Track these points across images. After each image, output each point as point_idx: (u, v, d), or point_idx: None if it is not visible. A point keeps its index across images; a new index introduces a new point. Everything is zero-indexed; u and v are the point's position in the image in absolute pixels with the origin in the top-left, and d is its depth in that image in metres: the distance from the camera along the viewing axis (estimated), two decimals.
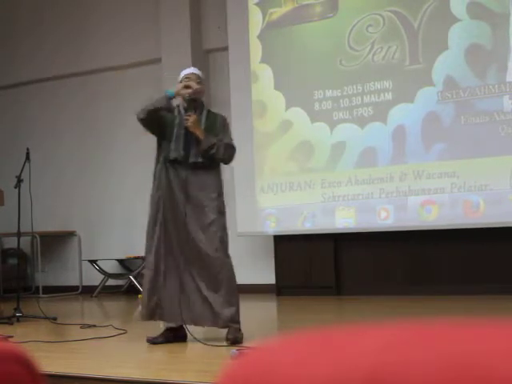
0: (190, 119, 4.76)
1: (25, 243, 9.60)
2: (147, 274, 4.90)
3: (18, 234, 6.75)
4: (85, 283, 9.83)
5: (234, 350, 4.21)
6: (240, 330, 4.79)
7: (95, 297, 9.27)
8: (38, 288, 9.72)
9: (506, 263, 7.13)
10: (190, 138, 4.79)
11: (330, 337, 0.68)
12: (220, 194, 4.90)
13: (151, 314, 4.86)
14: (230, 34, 8.55)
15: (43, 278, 9.79)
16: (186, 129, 4.79)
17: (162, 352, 4.70)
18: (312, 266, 8.05)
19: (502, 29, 7.08)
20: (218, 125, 4.91)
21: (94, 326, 5.95)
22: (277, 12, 8.25)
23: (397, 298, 7.22)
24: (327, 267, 8.00)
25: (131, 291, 9.27)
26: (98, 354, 4.67)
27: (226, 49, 8.66)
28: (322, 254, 8.02)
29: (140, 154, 9.58)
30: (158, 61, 9.24)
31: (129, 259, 9.50)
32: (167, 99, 4.80)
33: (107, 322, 6.23)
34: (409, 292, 7.45)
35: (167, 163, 4.85)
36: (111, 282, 9.54)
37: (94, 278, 9.54)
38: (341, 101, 7.86)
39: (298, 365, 0.65)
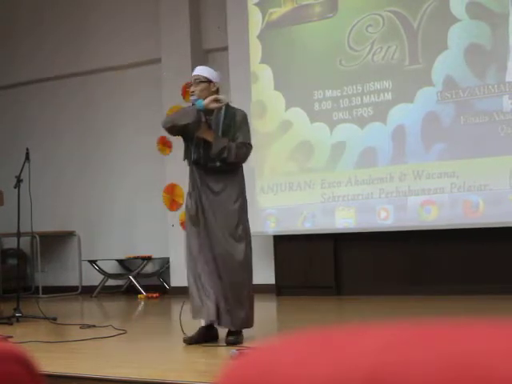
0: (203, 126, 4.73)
1: (24, 243, 9.60)
2: (189, 274, 4.89)
3: (18, 234, 6.75)
4: (84, 283, 9.83)
5: (233, 349, 4.22)
6: (241, 332, 4.81)
7: (95, 297, 9.27)
8: (37, 288, 9.73)
9: (505, 263, 7.13)
10: (205, 142, 4.75)
11: (330, 337, 0.68)
12: (241, 197, 4.84)
13: (197, 312, 4.84)
14: (230, 34, 8.55)
15: (43, 278, 9.79)
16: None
17: (161, 352, 4.70)
18: (312, 266, 8.05)
19: (502, 29, 7.08)
20: (237, 122, 4.82)
21: (94, 326, 5.95)
22: (276, 12, 8.25)
23: (397, 298, 7.22)
24: (327, 267, 8.00)
25: (131, 291, 9.27)
26: (98, 354, 4.67)
27: (225, 49, 8.66)
28: (321, 254, 8.02)
29: (140, 154, 9.59)
30: (157, 61, 9.24)
31: (128, 259, 9.50)
32: (197, 112, 4.70)
33: (107, 322, 6.23)
34: (409, 292, 7.44)
35: (193, 165, 4.88)
36: (111, 282, 9.54)
37: (93, 278, 9.54)
38: (340, 101, 7.86)
39: (298, 365, 0.65)
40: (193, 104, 4.81)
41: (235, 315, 4.73)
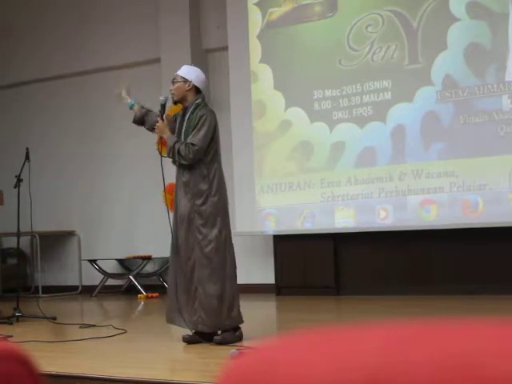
0: (156, 125, 4.89)
1: (24, 243, 9.60)
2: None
3: (18, 234, 6.75)
4: (84, 283, 9.83)
5: (233, 349, 4.22)
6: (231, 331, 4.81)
7: (95, 296, 9.27)
8: (37, 288, 9.72)
9: (505, 263, 7.13)
10: None
11: (330, 337, 0.68)
12: (196, 196, 4.80)
13: None
14: (230, 34, 8.55)
15: (43, 277, 9.79)
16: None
17: (161, 352, 4.70)
18: (312, 265, 8.05)
19: (501, 28, 7.08)
20: (196, 123, 4.83)
21: (94, 325, 5.95)
22: (276, 12, 8.25)
23: (396, 298, 7.22)
24: (327, 267, 8.00)
25: (131, 291, 9.27)
26: (98, 354, 4.67)
27: (225, 49, 8.66)
28: (321, 254, 8.02)
29: (139, 154, 9.59)
30: (157, 61, 9.24)
31: (128, 259, 9.50)
32: (135, 111, 5.12)
33: (107, 321, 6.23)
34: (408, 292, 7.44)
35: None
36: (111, 281, 9.53)
37: (93, 278, 9.54)
38: (340, 100, 7.86)
39: (298, 365, 0.65)
40: (161, 107, 5.02)
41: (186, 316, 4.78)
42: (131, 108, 5.06)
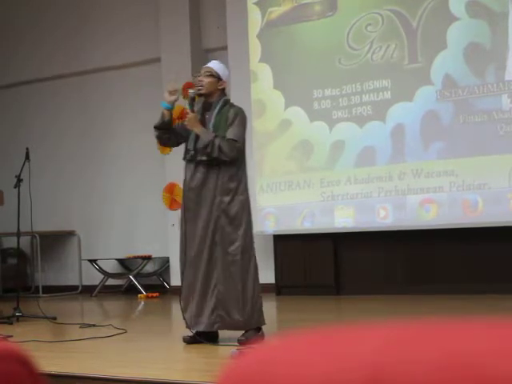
0: (188, 117, 4.68)
1: (24, 243, 9.60)
2: None
3: (18, 234, 6.75)
4: (84, 283, 9.83)
5: (233, 349, 4.22)
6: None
7: (95, 296, 9.27)
8: (37, 288, 9.72)
9: (505, 262, 7.13)
10: (196, 135, 4.73)
11: (330, 337, 0.68)
12: (224, 194, 4.72)
13: None
14: (230, 34, 8.55)
15: (43, 277, 9.79)
16: None
17: (161, 352, 4.70)
18: (311, 265, 8.05)
19: (501, 28, 7.08)
20: (229, 119, 4.74)
21: (94, 325, 5.95)
22: (276, 11, 8.25)
23: (396, 298, 7.22)
24: (327, 266, 8.00)
25: (131, 291, 9.27)
26: (98, 354, 4.67)
27: (225, 48, 8.66)
28: (321, 254, 8.02)
29: (139, 154, 9.59)
30: (157, 60, 9.24)
31: (128, 259, 9.51)
32: (167, 113, 4.75)
33: (107, 321, 6.23)
34: (408, 291, 7.44)
35: (186, 162, 4.83)
36: (111, 281, 9.54)
37: (93, 278, 9.54)
38: (340, 100, 7.86)
39: (297, 365, 0.65)
40: (191, 100, 4.77)
41: None
42: (168, 109, 4.75)
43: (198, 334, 4.77)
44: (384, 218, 7.60)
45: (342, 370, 0.63)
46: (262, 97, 8.27)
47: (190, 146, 4.76)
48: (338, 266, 8.03)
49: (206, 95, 4.79)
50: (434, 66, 7.36)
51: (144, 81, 9.56)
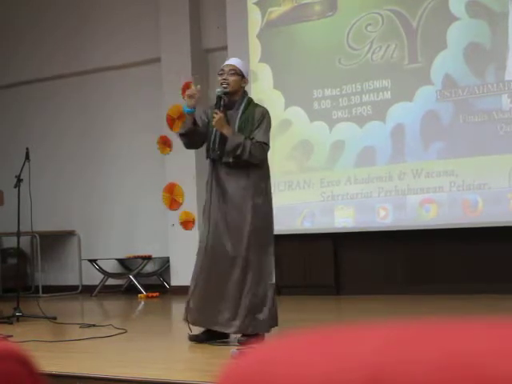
0: (216, 117, 4.56)
1: (24, 243, 9.60)
2: None
3: (18, 234, 6.75)
4: (84, 283, 9.83)
5: (233, 349, 4.21)
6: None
7: (95, 296, 9.27)
8: (37, 287, 9.73)
9: (505, 262, 7.13)
10: (223, 136, 4.62)
11: (330, 337, 0.68)
12: (256, 194, 4.68)
13: None
14: (230, 34, 8.54)
15: (43, 277, 9.79)
16: None
17: (161, 351, 4.70)
18: (311, 265, 8.05)
19: (501, 27, 7.08)
20: (255, 120, 4.69)
21: (94, 325, 5.95)
22: (276, 11, 8.25)
23: (396, 298, 7.22)
24: (327, 266, 8.00)
25: (131, 291, 9.27)
26: (98, 354, 4.67)
27: (225, 48, 8.65)
28: (321, 254, 8.02)
29: (140, 154, 9.59)
30: (157, 60, 9.24)
31: (128, 259, 9.51)
32: (190, 117, 4.64)
33: (107, 321, 6.23)
34: (408, 291, 7.44)
35: (210, 162, 4.75)
36: (111, 281, 9.53)
37: (93, 278, 9.54)
38: (340, 100, 7.86)
39: (297, 365, 0.65)
40: (218, 99, 4.66)
41: None
42: (191, 113, 4.64)
43: (207, 332, 4.74)
44: (384, 218, 7.60)
45: (342, 370, 0.63)
46: (262, 97, 8.25)
47: (214, 145, 4.67)
48: (338, 266, 8.03)
49: (231, 94, 4.71)
50: (434, 65, 7.36)
51: (144, 81, 9.55)
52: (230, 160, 4.62)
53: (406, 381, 0.60)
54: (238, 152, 4.56)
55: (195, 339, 4.73)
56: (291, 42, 8.15)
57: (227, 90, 4.66)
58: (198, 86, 4.80)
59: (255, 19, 8.35)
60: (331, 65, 7.91)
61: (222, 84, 4.69)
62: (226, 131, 4.59)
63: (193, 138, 4.73)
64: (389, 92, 7.60)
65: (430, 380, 0.60)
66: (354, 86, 7.78)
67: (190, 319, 4.72)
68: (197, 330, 4.79)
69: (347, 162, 7.80)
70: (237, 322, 4.63)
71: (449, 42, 7.29)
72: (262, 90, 8.27)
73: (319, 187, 7.92)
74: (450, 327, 0.65)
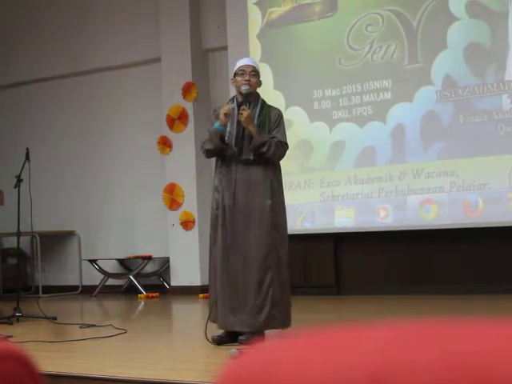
0: (244, 114, 4.60)
1: (24, 243, 9.60)
2: None
3: (18, 234, 6.75)
4: (84, 283, 9.83)
5: (234, 349, 4.21)
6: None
7: (95, 296, 9.27)
8: (37, 288, 9.73)
9: (505, 262, 7.13)
10: (243, 133, 4.67)
11: (330, 337, 0.68)
12: (271, 192, 4.70)
13: None
14: (230, 34, 8.55)
15: (43, 277, 9.79)
16: (239, 124, 4.67)
17: (161, 351, 4.70)
18: (312, 265, 8.05)
19: (501, 28, 7.08)
20: (272, 120, 4.78)
21: (94, 325, 5.95)
22: (276, 11, 8.25)
23: (396, 298, 7.22)
24: (327, 267, 8.00)
25: (131, 291, 9.27)
26: (98, 354, 4.67)
27: (225, 48, 8.66)
28: (321, 254, 8.02)
29: (140, 154, 9.59)
30: (157, 60, 9.24)
31: (128, 259, 9.51)
32: (218, 134, 4.64)
33: (107, 321, 6.23)
34: (408, 291, 7.44)
35: (219, 161, 4.77)
36: (111, 281, 9.54)
37: (93, 278, 9.54)
38: (340, 100, 7.86)
39: (298, 365, 0.65)
40: (245, 97, 4.71)
41: None
42: (219, 131, 4.64)
43: (228, 333, 4.71)
44: (384, 218, 7.60)
45: (342, 370, 0.63)
46: (262, 97, 8.24)
47: (232, 143, 4.68)
48: (338, 266, 8.03)
49: (250, 93, 4.79)
50: (434, 66, 7.36)
51: (144, 81, 9.56)
52: (251, 157, 4.65)
53: (406, 381, 0.60)
54: (264, 149, 4.62)
55: (219, 341, 4.64)
56: (291, 42, 8.15)
57: (250, 90, 4.75)
58: (233, 105, 4.80)
59: (255, 19, 8.35)
60: (331, 65, 7.91)
61: (244, 83, 4.75)
62: (252, 128, 4.64)
63: (217, 152, 4.77)
64: (389, 92, 7.60)
65: (430, 380, 0.60)
66: (354, 86, 7.78)
67: (219, 324, 4.69)
68: (217, 331, 4.73)
69: (347, 162, 7.80)
70: (259, 321, 4.64)
71: (449, 42, 7.29)
72: (262, 90, 8.23)
73: (319, 187, 7.93)
74: (450, 327, 0.65)
